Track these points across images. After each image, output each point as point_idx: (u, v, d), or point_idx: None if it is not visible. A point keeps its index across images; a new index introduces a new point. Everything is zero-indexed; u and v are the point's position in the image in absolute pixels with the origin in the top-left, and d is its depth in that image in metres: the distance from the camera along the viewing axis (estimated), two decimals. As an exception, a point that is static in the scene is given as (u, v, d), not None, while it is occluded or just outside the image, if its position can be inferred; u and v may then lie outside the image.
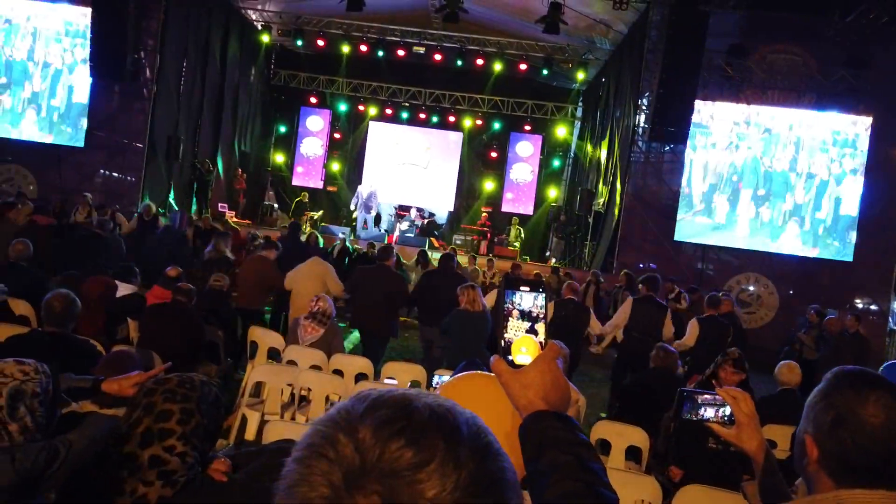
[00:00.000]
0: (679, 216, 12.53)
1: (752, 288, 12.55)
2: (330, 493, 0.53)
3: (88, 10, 12.37)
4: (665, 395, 4.38)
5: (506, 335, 1.01)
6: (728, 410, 1.50)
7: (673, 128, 11.86)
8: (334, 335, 5.30)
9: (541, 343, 1.00)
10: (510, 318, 1.02)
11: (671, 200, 12.64)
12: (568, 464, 0.88)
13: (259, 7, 15.72)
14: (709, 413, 1.52)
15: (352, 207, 16.52)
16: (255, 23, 16.65)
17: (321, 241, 9.45)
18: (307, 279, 6.31)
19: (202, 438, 1.54)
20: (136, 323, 4.82)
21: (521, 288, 1.03)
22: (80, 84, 13.21)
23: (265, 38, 16.52)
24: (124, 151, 13.13)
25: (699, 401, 1.52)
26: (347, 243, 12.00)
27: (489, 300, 5.92)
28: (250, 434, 4.39)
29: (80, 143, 13.22)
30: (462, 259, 11.18)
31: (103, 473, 1.48)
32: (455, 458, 0.54)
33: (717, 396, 1.52)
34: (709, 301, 6.83)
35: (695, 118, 12.05)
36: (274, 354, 5.47)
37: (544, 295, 1.03)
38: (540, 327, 1.02)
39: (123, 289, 5.18)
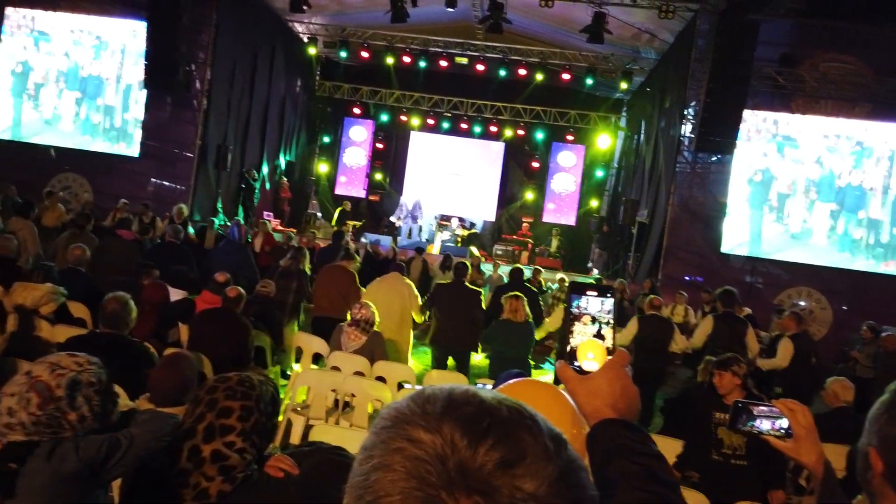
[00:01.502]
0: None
1: (803, 302, 12.16)
2: (425, 495, 0.52)
3: (143, 25, 12.87)
4: (713, 408, 4.28)
5: (571, 340, 0.99)
6: (785, 423, 1.46)
7: (720, 138, 11.62)
8: (377, 343, 5.34)
9: (608, 349, 0.98)
10: (576, 323, 1.00)
11: (717, 212, 12.38)
12: (637, 474, 0.85)
13: (306, 20, 16.05)
14: (765, 425, 1.49)
15: (394, 217, 16.66)
16: (301, 35, 17.02)
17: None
18: (388, 295, 6.23)
19: (260, 435, 1.58)
20: (187, 327, 4.96)
21: (588, 292, 1.02)
22: (136, 95, 13.70)
23: (311, 51, 16.85)
24: (175, 160, 13.54)
25: (755, 412, 1.49)
26: (369, 248, 12.02)
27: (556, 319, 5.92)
28: (295, 438, 4.46)
29: (135, 153, 13.68)
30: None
31: (169, 467, 1.53)
32: (545, 451, 0.55)
33: (773, 408, 1.48)
34: (795, 317, 6.58)
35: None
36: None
37: (612, 299, 1.01)
38: (607, 332, 1.00)
39: (175, 294, 5.34)
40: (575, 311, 1.01)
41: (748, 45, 11.12)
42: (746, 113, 11.85)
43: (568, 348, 0.99)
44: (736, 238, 12.41)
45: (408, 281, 6.61)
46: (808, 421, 1.41)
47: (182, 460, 1.50)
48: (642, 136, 15.31)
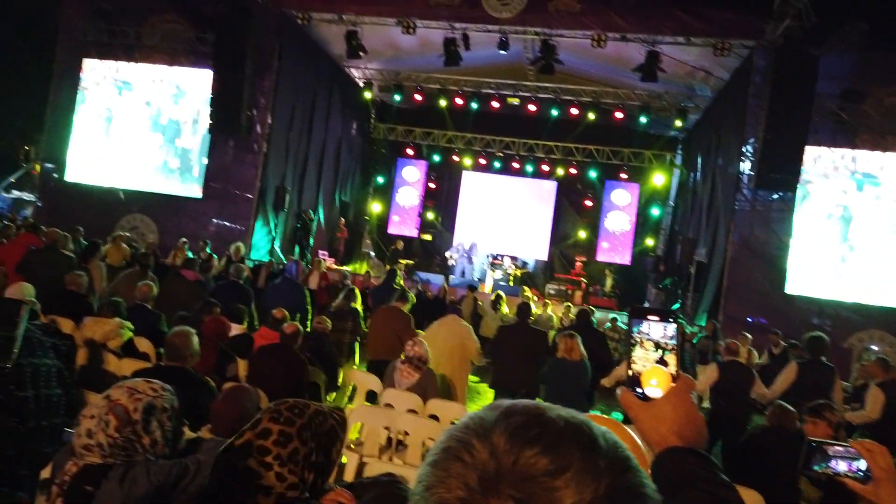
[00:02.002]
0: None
1: (875, 346, 11.51)
2: (466, 494, 0.54)
3: (209, 73, 13.57)
4: (782, 455, 4.06)
5: (633, 367, 0.96)
6: (863, 464, 1.37)
7: (781, 175, 11.30)
8: (430, 380, 5.31)
9: (672, 375, 0.94)
10: (637, 349, 0.97)
11: (781, 251, 11.95)
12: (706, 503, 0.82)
13: (362, 66, 16.59)
14: (841, 466, 1.40)
15: (448, 255, 16.72)
16: (357, 80, 17.59)
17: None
18: (447, 338, 6.17)
19: (303, 466, 1.55)
20: (245, 362, 5.05)
21: (649, 317, 0.98)
22: (200, 139, 14.35)
23: (367, 94, 17.38)
24: (236, 201, 14.03)
25: (830, 452, 1.40)
26: (420, 287, 12.05)
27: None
28: (349, 475, 4.43)
29: (198, 194, 14.27)
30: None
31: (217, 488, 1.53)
32: (594, 468, 0.54)
33: (850, 448, 1.39)
34: (882, 363, 6.21)
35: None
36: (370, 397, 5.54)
37: (675, 325, 0.97)
38: (670, 358, 0.96)
39: (234, 329, 5.46)
40: (636, 336, 0.98)
41: (808, 80, 10.88)
42: (822, 150, 11.54)
43: (629, 374, 0.96)
44: (803, 278, 11.91)
45: (466, 324, 6.55)
46: (888, 463, 1.33)
47: (226, 477, 1.50)
48: (699, 173, 15.03)
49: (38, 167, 15.48)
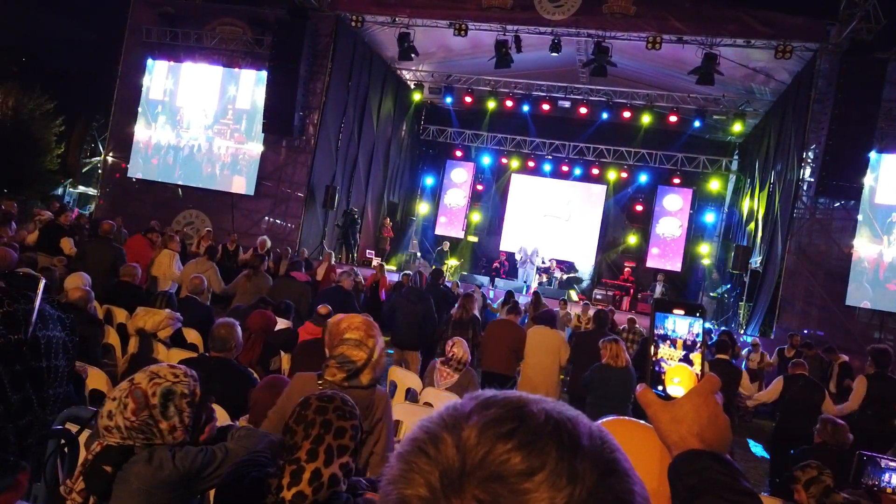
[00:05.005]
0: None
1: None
2: (427, 493, 0.49)
3: (265, 74, 13.91)
4: (833, 471, 3.88)
5: (655, 364, 0.91)
6: None
7: (844, 182, 10.85)
8: (469, 381, 5.29)
9: (697, 374, 0.89)
10: (661, 346, 0.92)
11: (842, 261, 11.45)
12: None
13: (413, 68, 16.72)
14: (894, 480, 1.32)
15: (517, 257, 16.55)
16: (408, 82, 17.72)
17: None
18: (544, 353, 6.07)
19: (347, 453, 1.59)
20: (289, 356, 5.13)
21: (675, 311, 0.92)
22: (255, 139, 14.71)
23: (417, 96, 17.49)
24: (287, 200, 14.33)
25: (882, 465, 1.33)
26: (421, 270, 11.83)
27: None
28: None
29: (251, 192, 14.62)
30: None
31: (269, 487, 1.57)
32: (570, 470, 0.48)
33: None
34: None
35: None
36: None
37: (701, 320, 0.92)
38: (695, 357, 0.91)
39: (280, 323, 5.56)
40: (659, 331, 0.92)
41: (875, 85, 10.43)
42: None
43: (651, 371, 0.91)
44: (865, 289, 11.38)
45: (560, 333, 6.43)
46: None
47: (303, 483, 1.52)
48: (756, 179, 14.56)
49: (108, 160, 16.11)
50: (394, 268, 15.62)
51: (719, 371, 6.00)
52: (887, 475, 1.33)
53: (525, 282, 15.85)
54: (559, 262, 16.94)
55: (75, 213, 10.57)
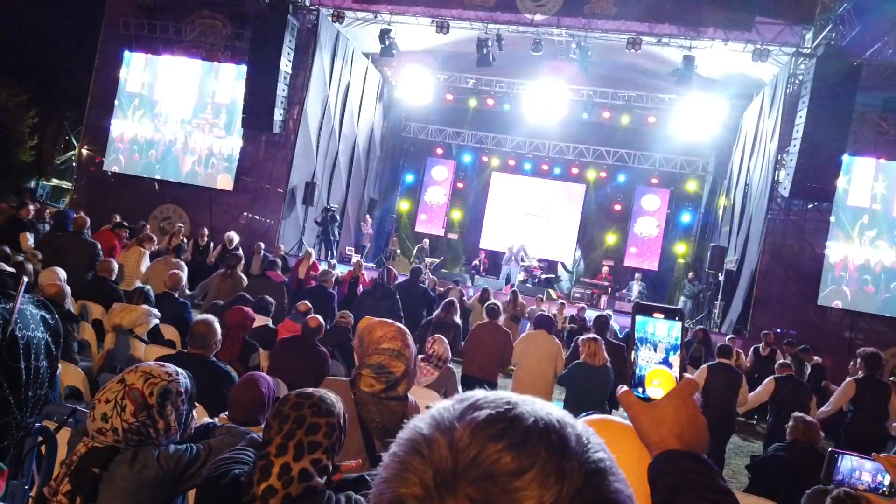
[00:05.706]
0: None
1: (910, 363, 11.18)
2: (422, 492, 0.51)
3: (244, 68, 13.77)
4: (805, 470, 3.98)
5: (636, 367, 0.93)
6: (887, 479, 1.33)
7: (818, 184, 11.05)
8: (449, 378, 5.31)
9: (676, 377, 0.92)
10: (641, 349, 0.93)
11: (814, 261, 11.68)
12: None
13: (394, 64, 16.66)
14: (865, 478, 1.36)
15: (505, 258, 16.57)
16: (390, 79, 17.66)
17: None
18: (539, 359, 6.03)
19: (320, 450, 1.61)
20: (268, 353, 5.11)
21: (655, 314, 0.94)
22: (233, 134, 14.56)
23: (398, 93, 17.44)
24: (266, 195, 14.22)
25: (853, 464, 1.37)
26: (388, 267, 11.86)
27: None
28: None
29: (230, 187, 14.48)
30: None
31: (248, 483, 1.57)
32: (559, 469, 0.51)
33: (875, 462, 1.35)
34: None
35: None
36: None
37: (680, 324, 0.94)
38: (675, 359, 0.93)
39: (259, 320, 5.53)
40: (639, 334, 0.94)
41: (849, 89, 10.62)
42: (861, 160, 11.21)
43: (631, 373, 0.93)
44: (837, 290, 11.62)
45: (556, 340, 6.38)
46: None
47: (272, 477, 1.52)
48: (732, 180, 14.78)
49: (83, 153, 15.84)
50: (373, 265, 15.59)
51: (721, 375, 6.08)
52: (856, 473, 1.37)
53: (508, 280, 15.90)
54: (540, 261, 17.01)
55: (37, 206, 10.30)
